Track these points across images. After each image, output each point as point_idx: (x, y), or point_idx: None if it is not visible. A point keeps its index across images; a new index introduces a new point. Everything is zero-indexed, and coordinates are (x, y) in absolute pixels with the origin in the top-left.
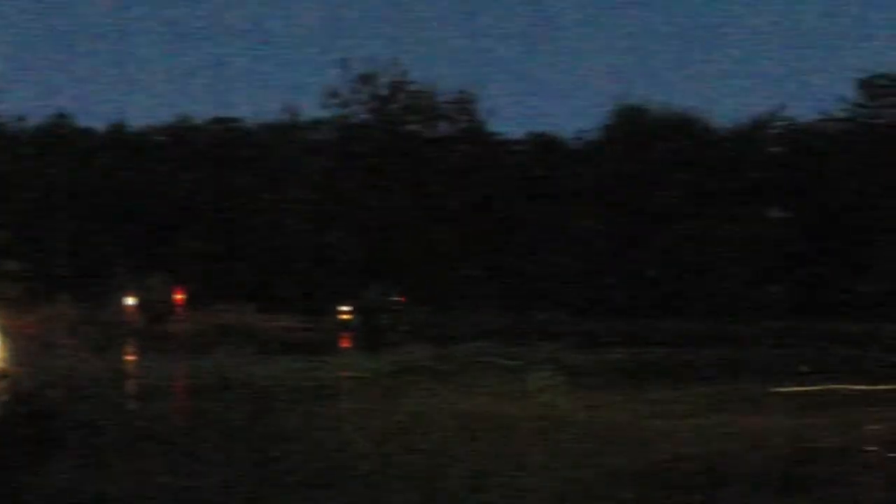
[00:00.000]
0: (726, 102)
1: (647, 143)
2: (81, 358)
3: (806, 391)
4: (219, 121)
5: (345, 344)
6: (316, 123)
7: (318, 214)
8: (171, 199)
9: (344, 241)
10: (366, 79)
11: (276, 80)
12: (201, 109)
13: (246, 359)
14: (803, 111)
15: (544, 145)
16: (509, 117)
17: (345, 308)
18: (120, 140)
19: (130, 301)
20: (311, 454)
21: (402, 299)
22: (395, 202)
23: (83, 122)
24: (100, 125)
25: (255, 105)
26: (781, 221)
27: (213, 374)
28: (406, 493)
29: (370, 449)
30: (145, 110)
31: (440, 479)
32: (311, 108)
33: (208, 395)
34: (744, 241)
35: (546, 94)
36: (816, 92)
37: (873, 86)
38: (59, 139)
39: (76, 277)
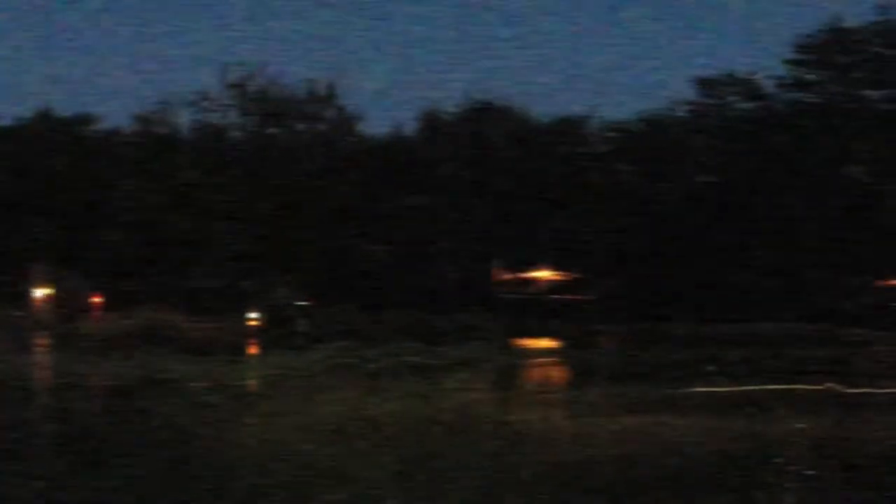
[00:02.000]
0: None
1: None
2: None
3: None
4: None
5: (253, 347)
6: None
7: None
8: (88, 199)
9: (238, 244)
10: (232, 80)
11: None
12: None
13: (144, 359)
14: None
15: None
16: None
17: (253, 312)
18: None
19: (45, 300)
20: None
21: (309, 302)
22: (273, 204)
23: None
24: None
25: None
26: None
27: (107, 374)
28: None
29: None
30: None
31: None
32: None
33: (88, 395)
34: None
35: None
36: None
37: (712, 85)
38: None
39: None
